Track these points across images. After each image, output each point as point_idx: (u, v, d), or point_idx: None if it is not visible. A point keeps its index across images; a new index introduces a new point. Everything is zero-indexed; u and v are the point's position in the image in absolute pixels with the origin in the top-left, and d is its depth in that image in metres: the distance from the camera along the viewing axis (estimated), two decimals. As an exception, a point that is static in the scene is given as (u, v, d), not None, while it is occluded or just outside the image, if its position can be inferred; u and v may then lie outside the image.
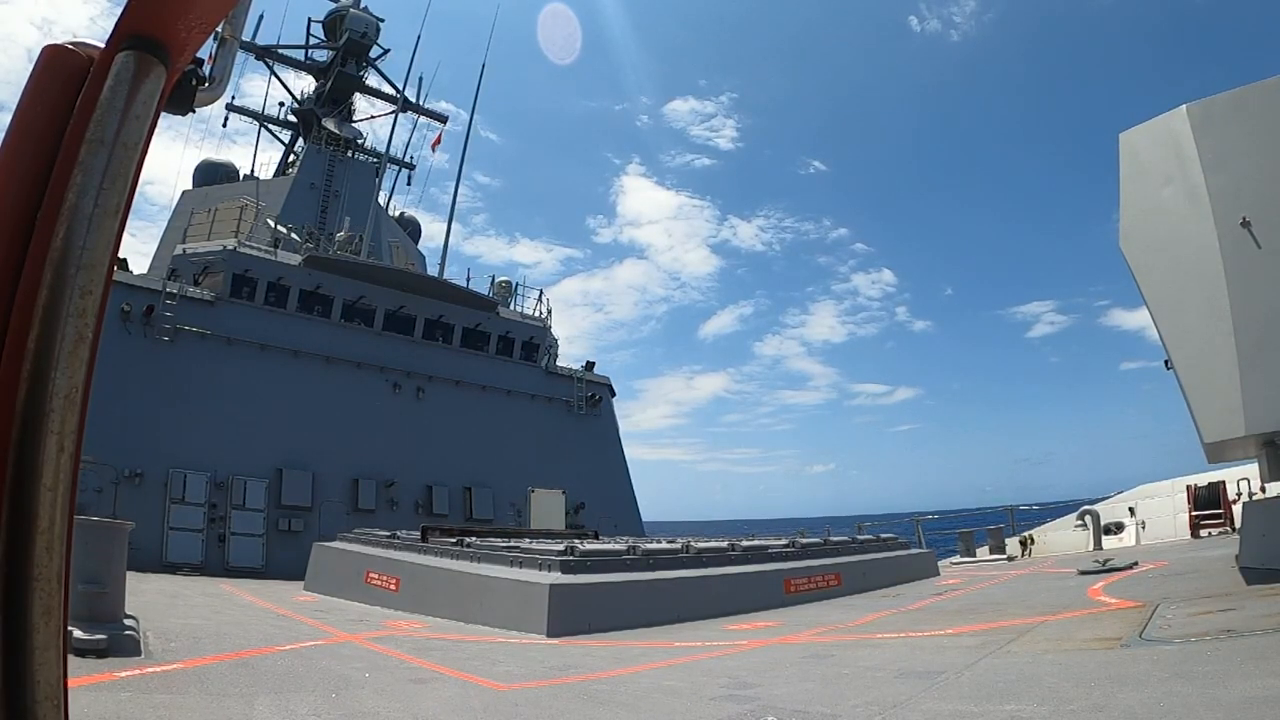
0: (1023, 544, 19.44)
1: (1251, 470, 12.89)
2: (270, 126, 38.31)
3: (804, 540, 14.23)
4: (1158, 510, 18.52)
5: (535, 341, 27.54)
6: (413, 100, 36.34)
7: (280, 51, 35.37)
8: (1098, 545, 17.59)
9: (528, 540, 12.17)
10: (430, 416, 24.23)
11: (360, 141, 34.73)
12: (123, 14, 0.99)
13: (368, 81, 36.48)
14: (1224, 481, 16.44)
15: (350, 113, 36.15)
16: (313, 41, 36.30)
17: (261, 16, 33.92)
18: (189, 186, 34.13)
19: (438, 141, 34.69)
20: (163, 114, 1.05)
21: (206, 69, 1.15)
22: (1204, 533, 16.34)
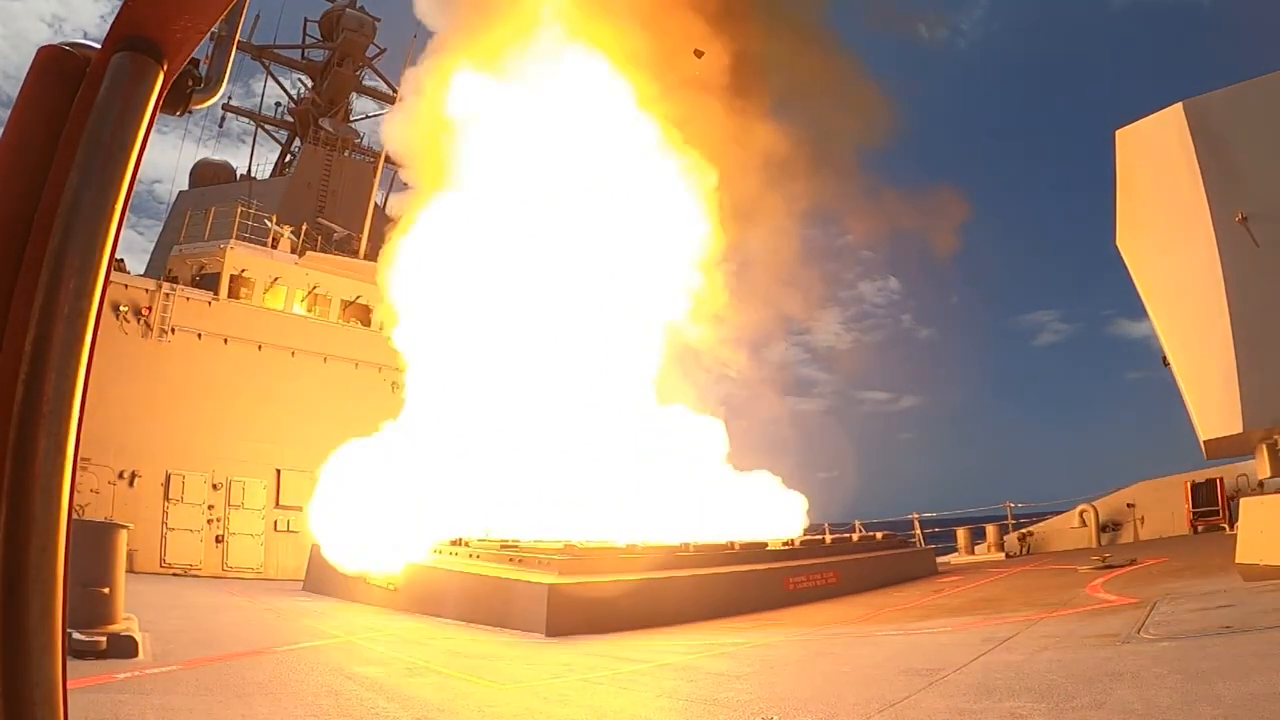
0: (1021, 540, 19.46)
1: (1250, 466, 12.91)
2: (267, 126, 38.24)
3: (803, 539, 14.25)
4: (1156, 506, 18.54)
5: None
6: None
7: (277, 51, 35.30)
8: (1096, 542, 17.61)
9: (527, 540, 12.16)
10: None
11: (357, 141, 34.69)
12: (119, 15, 0.98)
13: (364, 81, 36.42)
14: (1222, 478, 16.47)
15: (347, 112, 36.07)
16: (309, 41, 36.23)
17: (258, 16, 33.84)
18: (185, 187, 34.08)
19: None
20: (165, 114, 1.05)
21: (203, 69, 1.15)
22: (1202, 529, 16.37)
